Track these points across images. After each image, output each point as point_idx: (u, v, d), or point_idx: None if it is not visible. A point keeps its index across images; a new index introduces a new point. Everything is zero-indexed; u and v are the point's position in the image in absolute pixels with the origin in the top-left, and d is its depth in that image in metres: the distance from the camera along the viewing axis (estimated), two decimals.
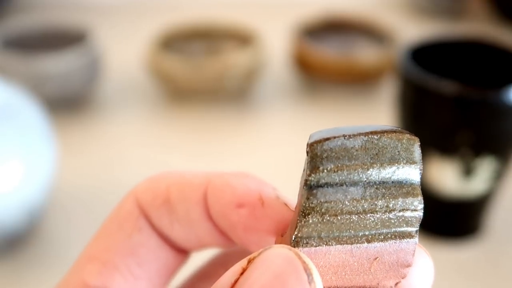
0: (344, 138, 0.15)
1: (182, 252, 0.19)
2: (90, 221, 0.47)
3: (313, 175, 0.15)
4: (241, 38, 0.66)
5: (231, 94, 0.63)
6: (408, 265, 0.15)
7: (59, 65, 0.57)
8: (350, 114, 0.61)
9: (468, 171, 0.41)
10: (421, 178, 0.17)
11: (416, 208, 0.16)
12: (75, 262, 0.18)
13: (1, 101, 0.40)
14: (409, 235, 0.16)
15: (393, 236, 0.16)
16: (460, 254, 0.44)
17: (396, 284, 0.16)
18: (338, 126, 0.16)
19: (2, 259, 0.43)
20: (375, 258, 0.15)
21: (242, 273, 0.14)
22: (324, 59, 0.61)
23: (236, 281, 0.14)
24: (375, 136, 0.16)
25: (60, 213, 0.48)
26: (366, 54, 0.61)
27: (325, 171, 0.15)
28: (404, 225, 0.16)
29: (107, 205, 0.52)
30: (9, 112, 0.40)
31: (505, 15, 0.84)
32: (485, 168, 0.41)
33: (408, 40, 0.46)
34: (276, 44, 0.71)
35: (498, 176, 0.42)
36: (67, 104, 0.61)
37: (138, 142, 0.59)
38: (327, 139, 0.15)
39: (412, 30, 0.73)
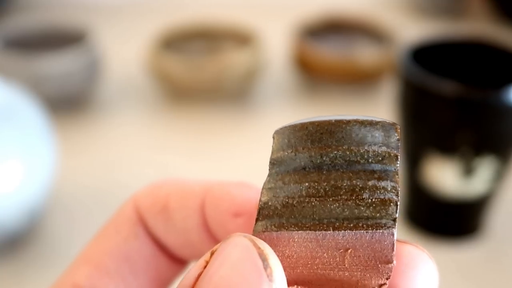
0: (309, 124, 0.15)
1: (179, 261, 0.19)
2: (90, 221, 0.47)
3: (274, 158, 0.15)
4: (241, 38, 0.66)
5: (231, 94, 0.63)
6: (388, 261, 0.14)
7: (59, 65, 0.57)
8: (350, 114, 0.61)
9: (468, 171, 0.41)
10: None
11: (389, 195, 0.14)
12: (70, 264, 0.18)
13: (1, 101, 0.40)
14: (384, 226, 0.14)
15: (364, 225, 0.14)
16: (460, 254, 0.44)
17: (381, 286, 0.14)
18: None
19: (2, 259, 0.43)
20: (347, 250, 0.14)
21: (205, 266, 0.14)
22: (324, 59, 0.61)
23: (199, 275, 0.14)
24: (343, 123, 0.15)
25: (60, 213, 0.48)
26: (366, 54, 0.61)
27: (286, 154, 0.15)
28: (378, 214, 0.14)
29: (107, 205, 0.52)
30: (9, 112, 0.40)
31: (506, 15, 0.84)
32: (485, 168, 0.41)
33: (408, 40, 0.46)
34: (276, 44, 0.71)
35: (498, 176, 0.42)
36: (67, 104, 0.61)
37: (138, 142, 0.58)
38: (292, 125, 0.15)
39: (412, 30, 0.73)
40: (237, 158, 0.56)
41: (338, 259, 0.14)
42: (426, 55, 0.44)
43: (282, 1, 0.89)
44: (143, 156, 0.56)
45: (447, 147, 0.40)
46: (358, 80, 0.63)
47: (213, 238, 0.18)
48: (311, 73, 0.63)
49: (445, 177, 0.41)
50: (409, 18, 0.85)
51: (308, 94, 0.66)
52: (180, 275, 0.19)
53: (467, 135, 0.40)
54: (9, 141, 0.39)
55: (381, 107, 0.61)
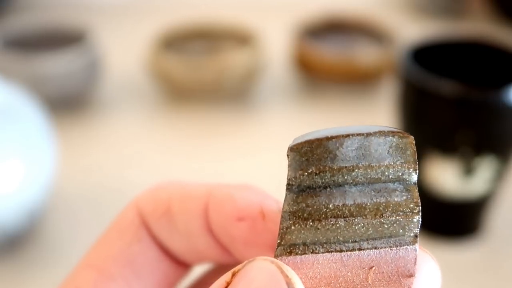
0: (327, 140, 0.14)
1: (182, 265, 0.19)
2: (91, 221, 0.47)
3: (293, 179, 0.15)
4: (241, 38, 0.66)
5: (231, 94, 0.63)
6: (411, 275, 0.14)
7: (59, 65, 0.57)
8: (350, 114, 0.61)
9: (468, 171, 0.41)
10: (419, 179, 0.16)
11: (412, 211, 0.14)
12: (73, 269, 0.18)
13: (1, 101, 0.40)
14: (407, 242, 0.14)
15: (388, 243, 0.14)
16: (460, 254, 0.44)
17: None
18: (330, 126, 0.15)
19: (2, 259, 0.43)
20: (371, 268, 0.14)
21: (226, 287, 0.13)
22: (324, 59, 0.61)
23: None
24: (362, 136, 0.14)
25: (60, 214, 0.48)
26: (366, 54, 0.61)
27: (306, 174, 0.14)
28: (401, 230, 0.14)
29: (107, 205, 0.52)
30: (9, 112, 0.40)
31: (506, 15, 0.84)
32: (485, 168, 0.41)
33: (408, 40, 0.46)
34: (276, 44, 0.71)
35: (498, 176, 0.42)
36: (67, 104, 0.61)
37: (138, 142, 0.58)
38: (308, 141, 0.15)
39: (412, 30, 0.73)
40: (237, 157, 0.56)
41: (362, 276, 0.14)
42: (426, 55, 0.44)
43: (282, 1, 0.89)
44: (143, 156, 0.56)
45: (447, 147, 0.40)
46: (358, 80, 0.63)
47: (217, 242, 0.17)
48: (311, 73, 0.63)
49: (445, 177, 0.41)
50: (409, 18, 0.85)
51: (308, 94, 0.66)
52: (185, 279, 0.19)
53: (467, 135, 0.39)
54: (9, 141, 0.39)
55: (381, 107, 0.61)
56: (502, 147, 0.40)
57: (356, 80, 0.63)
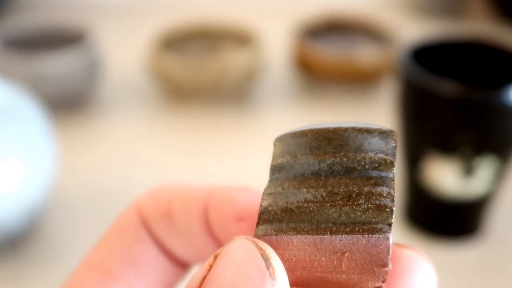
0: (309, 132, 0.16)
1: (182, 265, 0.19)
2: (91, 221, 0.47)
3: (274, 164, 0.16)
4: (241, 38, 0.66)
5: (231, 94, 0.63)
6: (384, 265, 0.14)
7: (59, 65, 0.57)
8: (350, 114, 0.61)
9: (468, 171, 0.41)
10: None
11: (385, 201, 0.15)
12: (74, 270, 0.18)
13: (1, 101, 0.40)
14: (380, 230, 0.14)
15: (360, 230, 0.14)
16: (460, 254, 0.44)
17: None
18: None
19: (2, 259, 0.43)
20: (344, 254, 0.14)
21: (209, 270, 0.14)
22: (324, 59, 0.61)
23: (204, 278, 0.14)
24: (342, 129, 0.15)
25: (60, 214, 0.48)
26: (366, 54, 0.61)
27: (286, 160, 0.16)
28: (374, 219, 0.14)
29: (107, 205, 0.52)
30: (9, 112, 0.40)
31: (506, 15, 0.84)
32: (485, 168, 0.41)
33: (409, 40, 0.46)
34: (276, 44, 0.71)
35: (498, 176, 0.42)
36: (67, 104, 0.61)
37: (138, 142, 0.58)
38: (292, 133, 0.16)
39: (412, 30, 0.73)
40: (237, 157, 0.56)
41: (335, 262, 0.15)
42: (426, 55, 0.44)
43: (282, 1, 0.89)
44: (143, 155, 0.56)
45: (447, 147, 0.40)
46: (358, 80, 0.63)
47: (217, 241, 0.18)
48: (311, 73, 0.63)
49: (445, 177, 0.41)
50: (409, 18, 0.85)
51: (308, 94, 0.66)
52: (185, 279, 0.19)
53: (467, 135, 0.40)
54: (9, 141, 0.39)
55: (381, 107, 0.61)
56: (502, 147, 0.40)
57: (356, 80, 0.63)
